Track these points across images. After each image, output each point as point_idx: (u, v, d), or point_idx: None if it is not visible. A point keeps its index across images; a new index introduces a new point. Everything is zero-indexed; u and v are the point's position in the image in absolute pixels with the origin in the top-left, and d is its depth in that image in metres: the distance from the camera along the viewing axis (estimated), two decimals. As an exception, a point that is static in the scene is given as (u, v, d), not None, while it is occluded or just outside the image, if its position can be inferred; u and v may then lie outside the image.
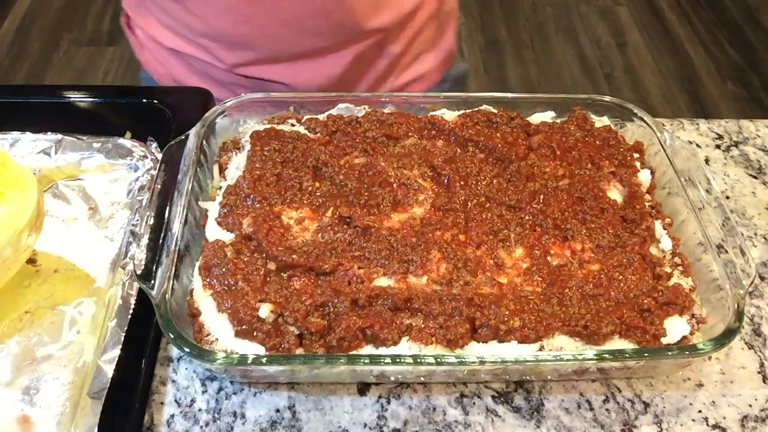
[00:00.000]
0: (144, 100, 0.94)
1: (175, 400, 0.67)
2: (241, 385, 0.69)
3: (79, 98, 0.96)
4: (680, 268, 0.72)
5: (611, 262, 0.71)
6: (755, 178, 0.93)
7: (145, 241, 0.68)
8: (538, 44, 2.94)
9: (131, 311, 0.70)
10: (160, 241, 0.69)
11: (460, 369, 0.65)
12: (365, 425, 0.66)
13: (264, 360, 0.63)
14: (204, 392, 0.68)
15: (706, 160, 0.95)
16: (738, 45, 2.97)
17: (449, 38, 1.12)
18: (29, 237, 0.71)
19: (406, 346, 0.64)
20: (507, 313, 0.65)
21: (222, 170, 0.81)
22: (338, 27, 0.95)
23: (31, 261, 0.77)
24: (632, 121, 0.86)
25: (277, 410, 0.67)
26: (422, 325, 0.65)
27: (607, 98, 0.87)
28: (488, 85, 2.73)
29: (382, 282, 0.69)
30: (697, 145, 0.97)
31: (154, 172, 0.82)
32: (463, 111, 0.86)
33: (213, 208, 0.76)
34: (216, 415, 0.66)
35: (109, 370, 0.65)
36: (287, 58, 0.99)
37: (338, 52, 0.99)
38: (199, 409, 0.67)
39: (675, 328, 0.67)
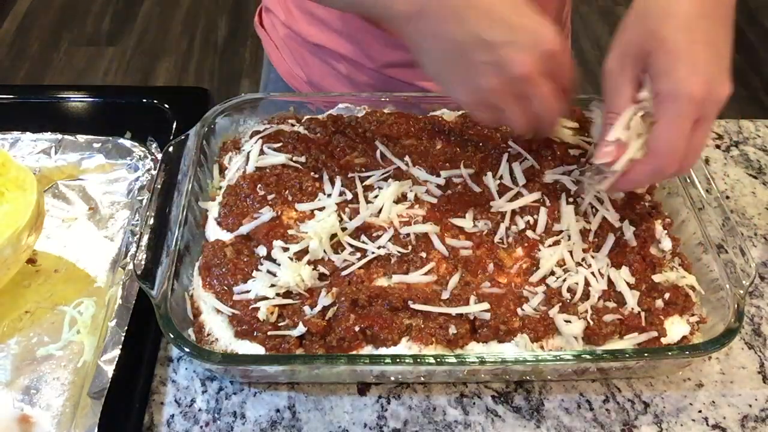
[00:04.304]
0: (144, 100, 0.94)
1: (175, 400, 0.67)
2: (241, 385, 0.69)
3: (79, 98, 0.96)
4: (680, 268, 0.72)
5: (611, 262, 0.71)
6: (755, 178, 0.93)
7: (145, 241, 0.68)
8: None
9: (131, 311, 0.69)
10: (160, 241, 0.69)
11: (460, 369, 0.65)
12: (365, 425, 0.66)
13: (264, 360, 0.63)
14: (204, 392, 0.68)
15: (706, 160, 0.95)
16: (738, 45, 2.92)
17: None
18: (29, 237, 0.71)
19: (406, 346, 0.64)
20: (507, 313, 0.65)
21: (222, 170, 0.81)
22: None
23: (31, 261, 0.77)
24: (632, 121, 0.86)
25: (277, 410, 0.67)
26: (422, 325, 0.65)
27: (607, 98, 0.87)
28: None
29: (382, 282, 0.69)
30: (697, 145, 0.97)
31: (154, 172, 0.82)
32: (463, 111, 0.86)
33: (213, 208, 0.76)
34: (216, 415, 0.66)
35: (109, 370, 0.65)
36: None
37: None
38: (199, 409, 0.67)
39: (675, 328, 0.67)
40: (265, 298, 0.66)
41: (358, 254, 0.70)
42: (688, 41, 0.61)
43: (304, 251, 0.69)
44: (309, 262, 0.69)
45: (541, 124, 0.68)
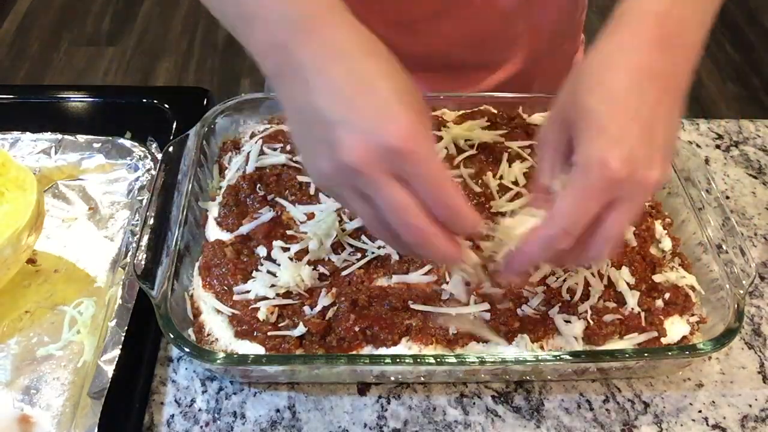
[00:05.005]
0: (144, 100, 0.94)
1: (175, 400, 0.67)
2: (241, 385, 0.69)
3: (79, 98, 0.96)
4: (680, 268, 0.72)
5: (611, 262, 0.70)
6: (755, 178, 0.93)
7: (145, 241, 0.68)
8: (538, 44, 2.94)
9: (131, 311, 0.69)
10: (160, 241, 0.69)
11: (460, 369, 0.65)
12: (365, 425, 0.66)
13: (264, 360, 0.63)
14: (204, 392, 0.68)
15: (706, 160, 0.95)
16: (738, 45, 2.96)
17: None
18: (29, 237, 0.71)
19: (406, 346, 0.64)
20: (507, 313, 0.65)
21: (222, 170, 0.81)
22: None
23: (31, 261, 0.77)
24: (632, 121, 0.86)
25: (277, 410, 0.67)
26: (422, 325, 0.65)
27: (607, 98, 0.87)
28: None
29: (382, 282, 0.69)
30: (697, 145, 0.97)
31: (154, 172, 0.82)
32: (463, 111, 0.86)
33: (213, 208, 0.76)
34: (216, 415, 0.66)
35: (109, 370, 0.65)
36: (451, 69, 0.93)
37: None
38: (199, 409, 0.67)
39: (675, 328, 0.67)
40: (265, 298, 0.66)
41: (358, 254, 0.70)
42: (613, 114, 0.52)
43: (304, 251, 0.69)
44: (309, 262, 0.69)
45: (405, 243, 0.52)
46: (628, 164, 0.50)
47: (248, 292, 0.66)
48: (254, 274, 0.68)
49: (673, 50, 0.54)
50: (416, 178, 0.49)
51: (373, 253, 0.70)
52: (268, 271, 0.67)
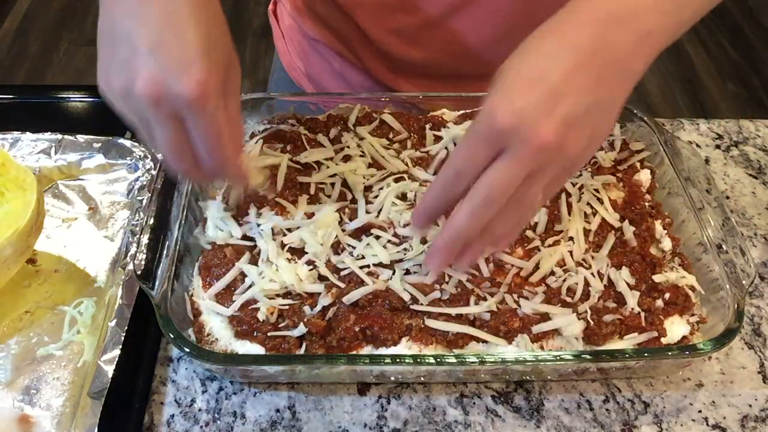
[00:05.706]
0: (144, 100, 0.94)
1: (175, 400, 0.67)
2: (241, 385, 0.69)
3: (79, 98, 0.96)
4: (680, 268, 0.72)
5: (611, 262, 0.71)
6: (755, 178, 0.93)
7: (145, 241, 0.68)
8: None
9: (131, 311, 0.69)
10: (160, 241, 0.69)
11: (460, 369, 0.65)
12: (365, 425, 0.66)
13: (264, 360, 0.63)
14: (204, 392, 0.68)
15: (706, 160, 0.95)
16: (738, 45, 2.97)
17: None
18: (29, 237, 0.71)
19: (406, 346, 0.64)
20: (507, 313, 0.65)
21: (222, 170, 0.81)
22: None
23: (31, 261, 0.77)
24: (632, 121, 0.86)
25: (277, 410, 0.67)
26: (422, 325, 0.65)
27: (607, 98, 0.87)
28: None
29: (383, 282, 0.68)
30: (697, 145, 0.97)
31: (154, 172, 0.82)
32: (463, 111, 0.86)
33: (213, 208, 0.76)
34: (216, 415, 0.66)
35: (109, 370, 0.65)
36: (449, 79, 0.94)
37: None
38: (199, 409, 0.67)
39: (675, 328, 0.67)
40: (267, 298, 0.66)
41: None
42: (518, 75, 0.53)
43: (303, 252, 0.69)
44: (308, 263, 0.69)
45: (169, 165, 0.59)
46: (512, 117, 0.51)
47: (249, 287, 0.66)
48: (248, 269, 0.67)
49: (619, 30, 0.53)
50: (194, 129, 0.54)
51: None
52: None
